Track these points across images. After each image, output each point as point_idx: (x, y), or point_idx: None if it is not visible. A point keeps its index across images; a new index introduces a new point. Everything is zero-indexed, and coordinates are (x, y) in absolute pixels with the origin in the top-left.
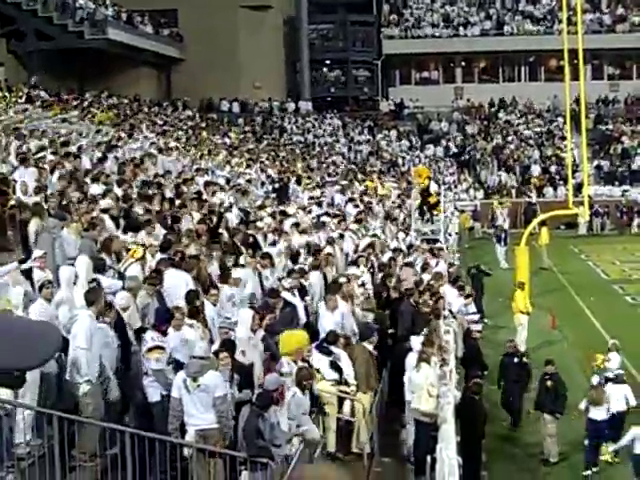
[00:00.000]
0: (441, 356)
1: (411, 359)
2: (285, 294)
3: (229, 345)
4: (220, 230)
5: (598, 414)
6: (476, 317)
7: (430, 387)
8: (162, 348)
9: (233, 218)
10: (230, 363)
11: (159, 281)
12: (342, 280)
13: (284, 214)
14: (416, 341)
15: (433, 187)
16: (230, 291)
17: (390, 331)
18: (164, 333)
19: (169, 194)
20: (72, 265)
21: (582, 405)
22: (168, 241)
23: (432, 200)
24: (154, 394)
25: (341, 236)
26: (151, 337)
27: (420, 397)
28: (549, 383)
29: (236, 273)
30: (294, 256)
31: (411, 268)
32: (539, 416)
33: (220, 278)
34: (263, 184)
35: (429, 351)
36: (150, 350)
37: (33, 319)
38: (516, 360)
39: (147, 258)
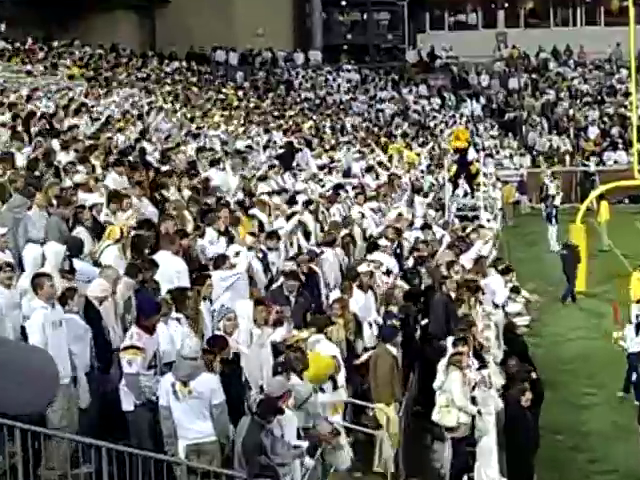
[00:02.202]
0: (479, 357)
1: (444, 362)
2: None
3: (218, 342)
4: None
5: None
6: (518, 307)
7: (457, 396)
8: (138, 349)
9: (232, 188)
10: (218, 366)
11: (145, 267)
12: (362, 268)
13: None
14: (450, 340)
15: (472, 154)
16: (222, 274)
17: (421, 325)
18: (148, 330)
19: (154, 161)
20: (39, 245)
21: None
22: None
23: (472, 169)
24: (127, 402)
25: (361, 215)
26: (130, 333)
27: (438, 408)
28: None
29: (234, 257)
30: (306, 235)
31: (450, 250)
32: None
33: (214, 262)
34: (265, 149)
35: (462, 353)
36: (125, 349)
37: (29, 347)
38: None
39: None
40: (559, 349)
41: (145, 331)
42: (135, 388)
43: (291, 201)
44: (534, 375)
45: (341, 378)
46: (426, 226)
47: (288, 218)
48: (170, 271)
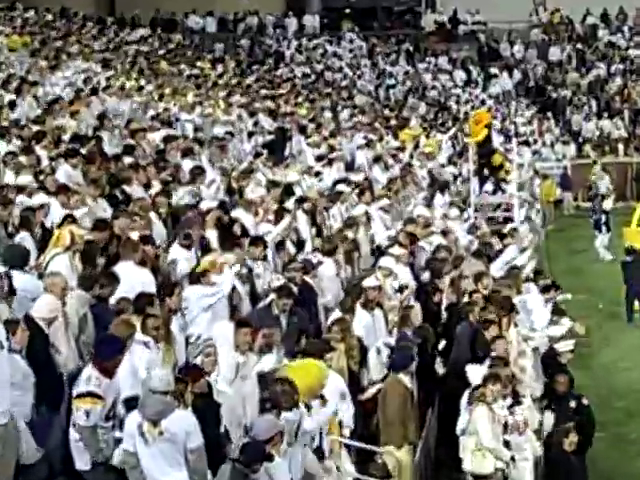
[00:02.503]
0: (512, 391)
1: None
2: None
3: (192, 373)
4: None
5: None
6: (563, 330)
7: (485, 437)
8: (98, 397)
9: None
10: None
11: (103, 282)
12: (369, 283)
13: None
14: (475, 372)
15: (496, 140)
16: (202, 291)
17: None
18: (108, 373)
19: (114, 150)
20: None
21: None
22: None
23: (496, 160)
24: (81, 460)
25: (367, 217)
26: (87, 376)
27: (470, 454)
28: None
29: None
30: (299, 243)
31: (478, 260)
32: None
33: (190, 276)
34: (251, 136)
35: (491, 388)
36: (80, 397)
37: None
38: None
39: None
40: (611, 381)
41: (105, 374)
42: (92, 444)
43: (283, 198)
44: (585, 401)
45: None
46: (448, 231)
47: (277, 219)
48: (133, 285)
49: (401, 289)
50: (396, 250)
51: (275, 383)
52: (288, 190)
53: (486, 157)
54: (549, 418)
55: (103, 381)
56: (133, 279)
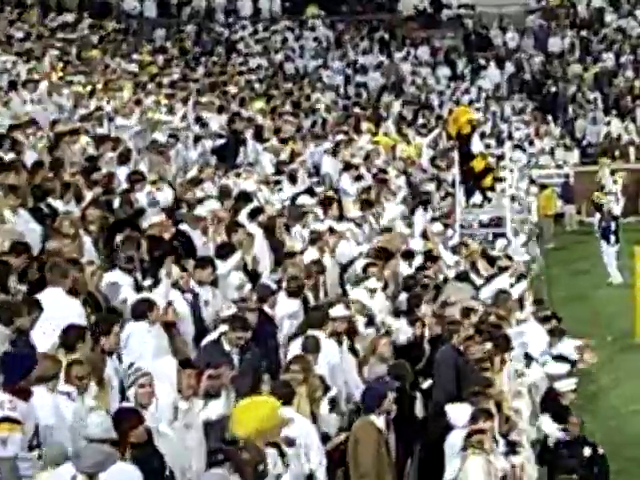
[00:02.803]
0: (506, 437)
1: (453, 441)
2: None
3: (128, 418)
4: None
5: None
6: (565, 368)
7: None
8: (16, 422)
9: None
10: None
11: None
12: (336, 312)
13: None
14: (460, 413)
15: (476, 145)
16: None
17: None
18: (23, 394)
19: (34, 157)
20: None
21: None
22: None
23: (477, 165)
24: None
25: (332, 231)
26: (0, 402)
27: None
28: None
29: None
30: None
31: (462, 284)
32: None
33: (134, 310)
34: (198, 140)
35: (484, 430)
36: None
37: None
38: None
39: None
40: (622, 426)
41: (19, 396)
42: (11, 478)
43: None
44: (601, 450)
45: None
46: (430, 254)
47: (229, 233)
48: (61, 316)
49: (372, 321)
50: (371, 283)
51: (232, 445)
52: (244, 198)
53: (466, 162)
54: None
55: (18, 404)
56: (60, 309)
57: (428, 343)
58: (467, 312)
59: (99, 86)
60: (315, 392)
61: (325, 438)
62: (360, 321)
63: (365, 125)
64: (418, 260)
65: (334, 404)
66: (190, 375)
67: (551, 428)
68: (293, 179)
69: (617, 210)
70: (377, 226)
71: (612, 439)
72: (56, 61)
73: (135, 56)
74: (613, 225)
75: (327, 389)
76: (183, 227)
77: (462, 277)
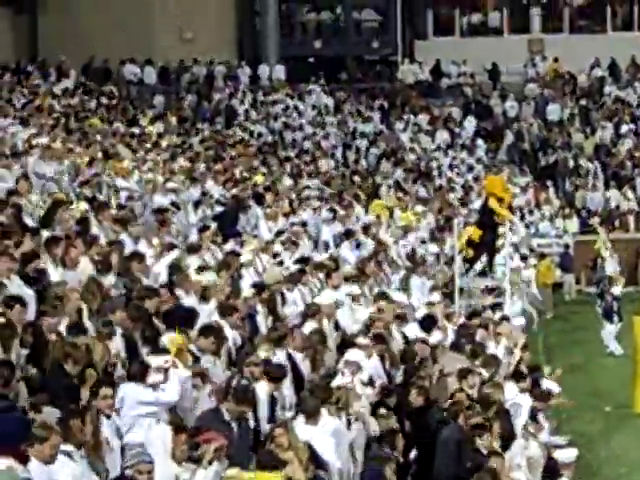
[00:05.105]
0: None
1: None
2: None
3: None
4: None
5: None
6: (563, 439)
7: None
8: None
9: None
10: None
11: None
12: (339, 382)
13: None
14: None
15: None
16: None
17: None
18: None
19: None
20: None
21: None
22: None
23: (475, 235)
24: None
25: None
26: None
27: None
28: None
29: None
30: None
31: (459, 354)
32: None
33: (129, 373)
34: (198, 205)
35: None
36: None
37: None
38: None
39: None
40: None
41: (18, 460)
42: None
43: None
44: None
45: None
46: (429, 319)
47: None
48: None
49: (370, 383)
50: (365, 340)
51: None
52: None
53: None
54: None
55: (18, 468)
56: None
57: (413, 413)
58: (465, 373)
59: (99, 153)
60: (303, 460)
61: None
62: (357, 382)
63: (363, 194)
64: (414, 329)
65: None
66: (185, 441)
67: None
68: (294, 243)
69: (617, 291)
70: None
71: None
72: (55, 128)
73: (139, 121)
74: (615, 305)
75: (318, 459)
76: (179, 292)
77: (457, 347)
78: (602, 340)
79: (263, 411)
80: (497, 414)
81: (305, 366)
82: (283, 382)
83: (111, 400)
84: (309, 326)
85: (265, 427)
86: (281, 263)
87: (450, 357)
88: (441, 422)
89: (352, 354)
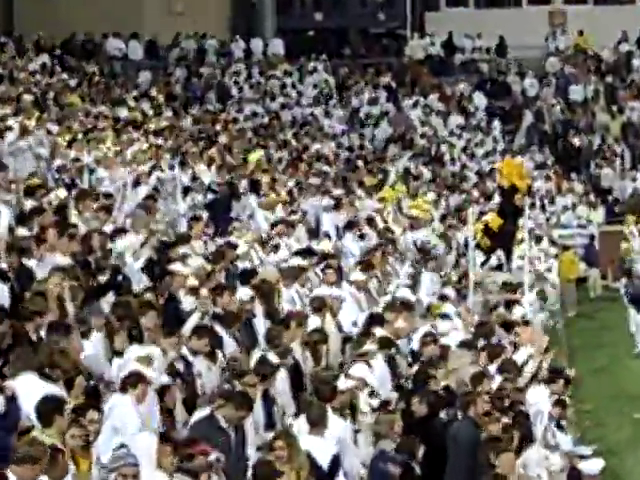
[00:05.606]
0: None
1: None
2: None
3: None
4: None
5: None
6: (589, 449)
7: None
8: None
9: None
10: None
11: None
12: (343, 385)
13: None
14: None
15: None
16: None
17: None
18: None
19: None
20: None
21: None
22: None
23: (494, 223)
24: None
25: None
26: None
27: None
28: None
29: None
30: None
31: (469, 351)
32: None
33: (122, 385)
34: (187, 192)
35: None
36: None
37: None
38: None
39: None
40: None
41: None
42: None
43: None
44: None
45: None
46: (445, 316)
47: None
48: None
49: (375, 393)
50: (370, 343)
51: None
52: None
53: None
54: None
55: None
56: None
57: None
58: (479, 377)
59: (79, 136)
60: (302, 470)
61: None
62: (361, 396)
63: (367, 179)
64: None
65: None
66: (170, 451)
67: None
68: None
69: None
70: (382, 289)
71: None
72: (32, 107)
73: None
74: None
75: (319, 469)
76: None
77: (466, 345)
78: (631, 335)
79: (258, 415)
80: (515, 419)
81: (304, 359)
82: (274, 378)
83: (90, 417)
84: (313, 321)
85: (263, 435)
86: (276, 247)
87: (455, 354)
88: (449, 422)
89: (357, 369)
